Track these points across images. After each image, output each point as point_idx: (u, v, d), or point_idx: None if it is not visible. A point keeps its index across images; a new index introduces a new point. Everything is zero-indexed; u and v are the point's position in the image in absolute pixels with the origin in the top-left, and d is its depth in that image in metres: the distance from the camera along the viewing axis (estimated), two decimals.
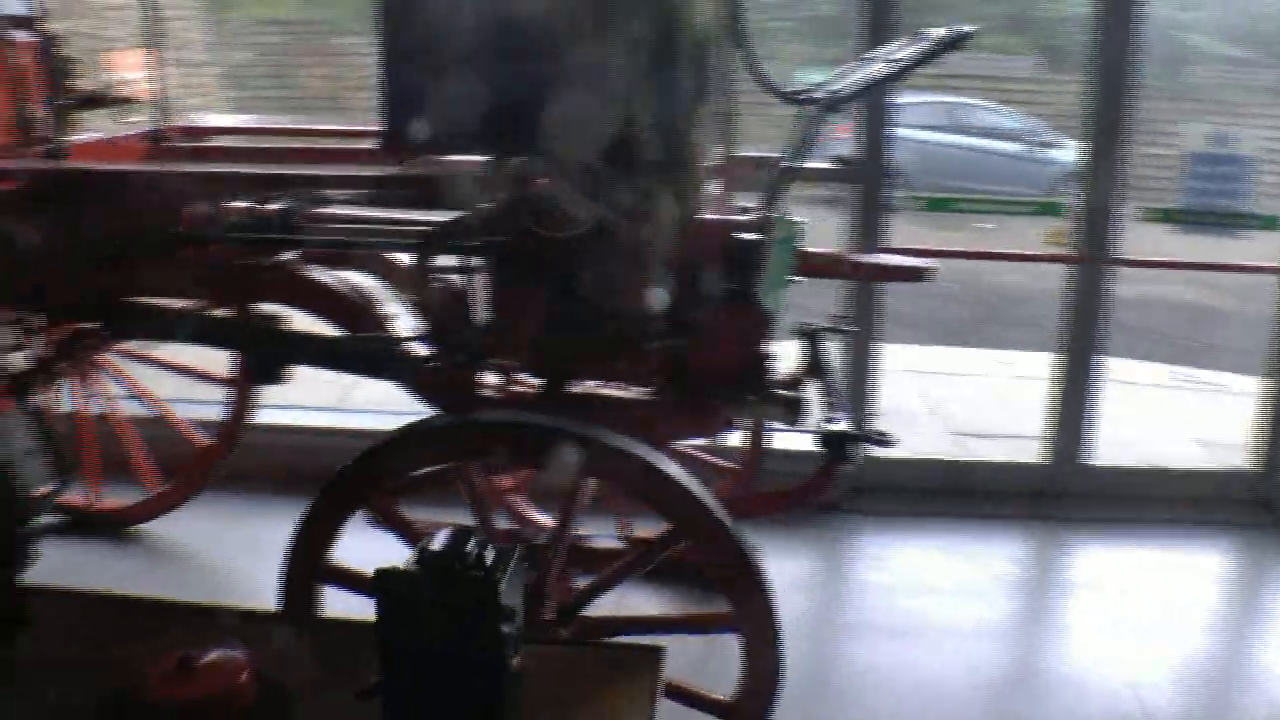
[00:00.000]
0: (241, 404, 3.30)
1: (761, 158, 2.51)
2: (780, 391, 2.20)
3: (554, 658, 1.48)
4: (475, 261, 2.15)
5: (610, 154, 1.94)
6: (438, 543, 1.20)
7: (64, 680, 1.42)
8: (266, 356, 2.23)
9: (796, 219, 2.20)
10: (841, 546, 3.37)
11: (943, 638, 2.86)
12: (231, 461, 3.34)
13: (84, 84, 2.52)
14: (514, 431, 1.91)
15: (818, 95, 1.95)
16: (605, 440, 1.83)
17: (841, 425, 2.01)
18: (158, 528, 3.44)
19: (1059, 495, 3.56)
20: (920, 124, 11.24)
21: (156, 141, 2.68)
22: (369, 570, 1.20)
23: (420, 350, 2.03)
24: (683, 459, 2.93)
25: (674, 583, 2.97)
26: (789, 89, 1.99)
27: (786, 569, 3.16)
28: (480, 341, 2.06)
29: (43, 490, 2.58)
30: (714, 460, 2.99)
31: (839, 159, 3.38)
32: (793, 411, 2.18)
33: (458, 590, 1.15)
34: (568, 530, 1.91)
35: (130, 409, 3.40)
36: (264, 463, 3.40)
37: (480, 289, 2.15)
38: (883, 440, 1.99)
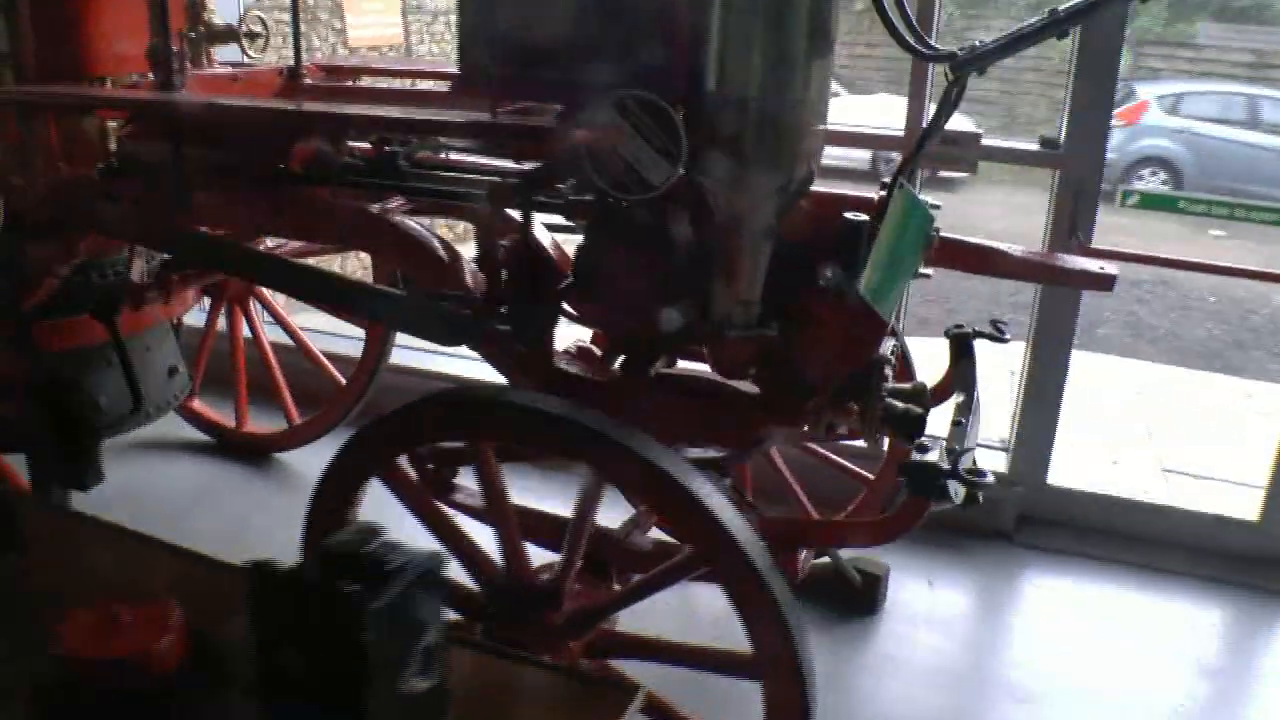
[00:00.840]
0: (380, 344, 3.33)
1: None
2: (894, 402, 1.86)
3: (515, 677, 1.31)
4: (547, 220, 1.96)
5: (698, 111, 1.68)
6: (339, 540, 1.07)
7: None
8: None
9: (928, 201, 1.84)
10: (1000, 584, 2.93)
11: (1091, 712, 2.41)
12: (371, 400, 3.39)
13: (218, 18, 2.50)
14: (514, 414, 1.68)
15: (957, 53, 1.59)
16: (611, 435, 1.56)
17: (932, 456, 1.65)
18: (296, 457, 3.52)
19: (1274, 563, 2.95)
20: (1209, 116, 10.01)
21: (293, 78, 2.64)
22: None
23: (487, 316, 1.83)
24: (819, 461, 2.66)
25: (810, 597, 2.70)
26: (927, 47, 1.64)
27: (925, 600, 2.79)
28: (546, 311, 1.85)
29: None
30: (853, 469, 2.66)
31: (1044, 139, 2.91)
32: (905, 427, 1.84)
33: (317, 599, 0.99)
34: (583, 530, 1.66)
35: (279, 340, 3.50)
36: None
37: (549, 250, 1.94)
38: (975, 482, 1.61)
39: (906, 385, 1.97)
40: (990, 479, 1.61)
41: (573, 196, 1.94)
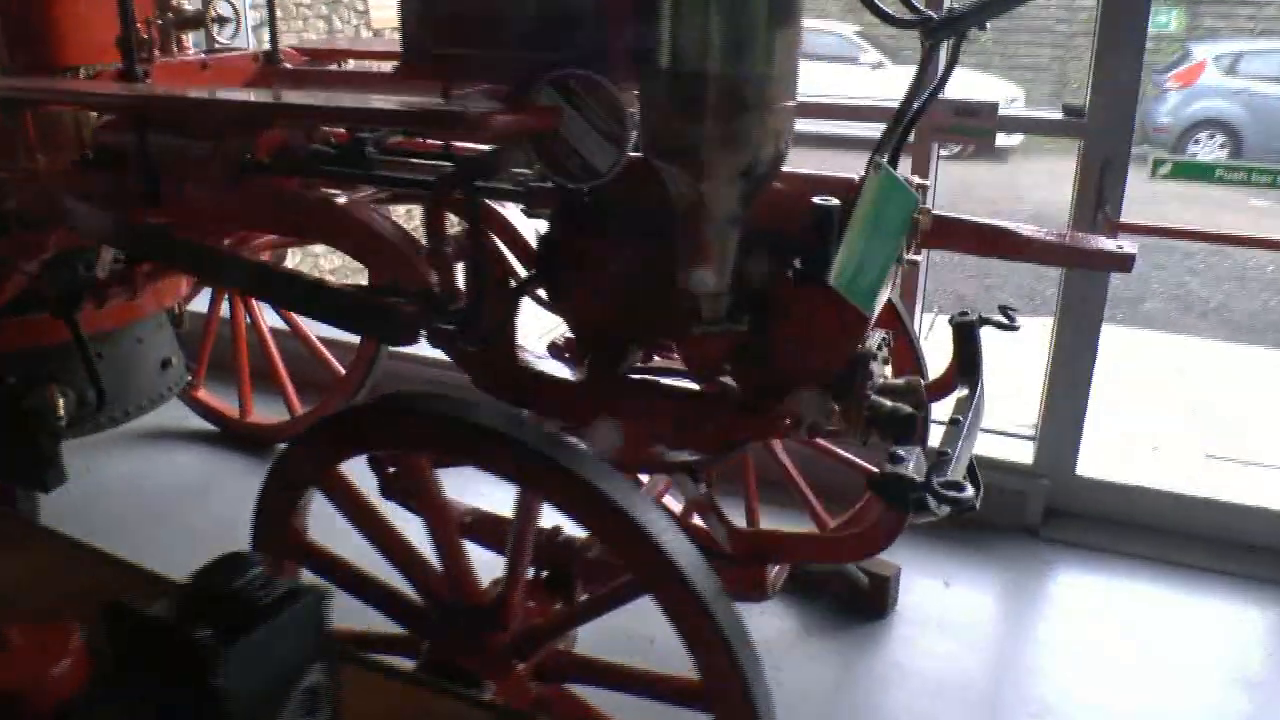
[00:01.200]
0: None
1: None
2: (881, 401, 1.71)
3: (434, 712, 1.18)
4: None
5: (652, 88, 1.53)
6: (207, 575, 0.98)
7: None
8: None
9: (916, 179, 1.68)
10: (1023, 584, 2.76)
11: None
12: (376, 388, 3.35)
13: (187, 4, 2.40)
14: (440, 425, 1.54)
15: (932, 16, 1.42)
16: (543, 450, 1.43)
17: (908, 464, 1.49)
18: None
19: None
20: (1270, 75, 9.53)
21: (270, 63, 2.54)
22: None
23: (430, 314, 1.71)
24: (823, 455, 2.50)
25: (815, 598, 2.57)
26: (912, 10, 1.47)
27: (940, 601, 2.64)
28: (496, 307, 1.72)
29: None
30: (859, 463, 2.50)
31: (1068, 107, 2.71)
32: (893, 428, 1.69)
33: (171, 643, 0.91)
34: (524, 544, 1.53)
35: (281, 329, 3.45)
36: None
37: (516, 240, 1.81)
38: (952, 498, 1.45)
39: (899, 381, 1.81)
40: (968, 494, 1.45)
41: (533, 184, 1.81)
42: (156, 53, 2.33)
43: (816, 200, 1.51)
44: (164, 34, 2.39)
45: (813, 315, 1.60)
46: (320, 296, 1.82)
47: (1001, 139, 2.89)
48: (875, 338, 1.77)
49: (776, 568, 1.91)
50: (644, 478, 2.16)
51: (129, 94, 1.98)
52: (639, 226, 1.73)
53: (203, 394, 3.62)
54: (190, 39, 2.48)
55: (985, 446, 3.01)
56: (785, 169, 1.73)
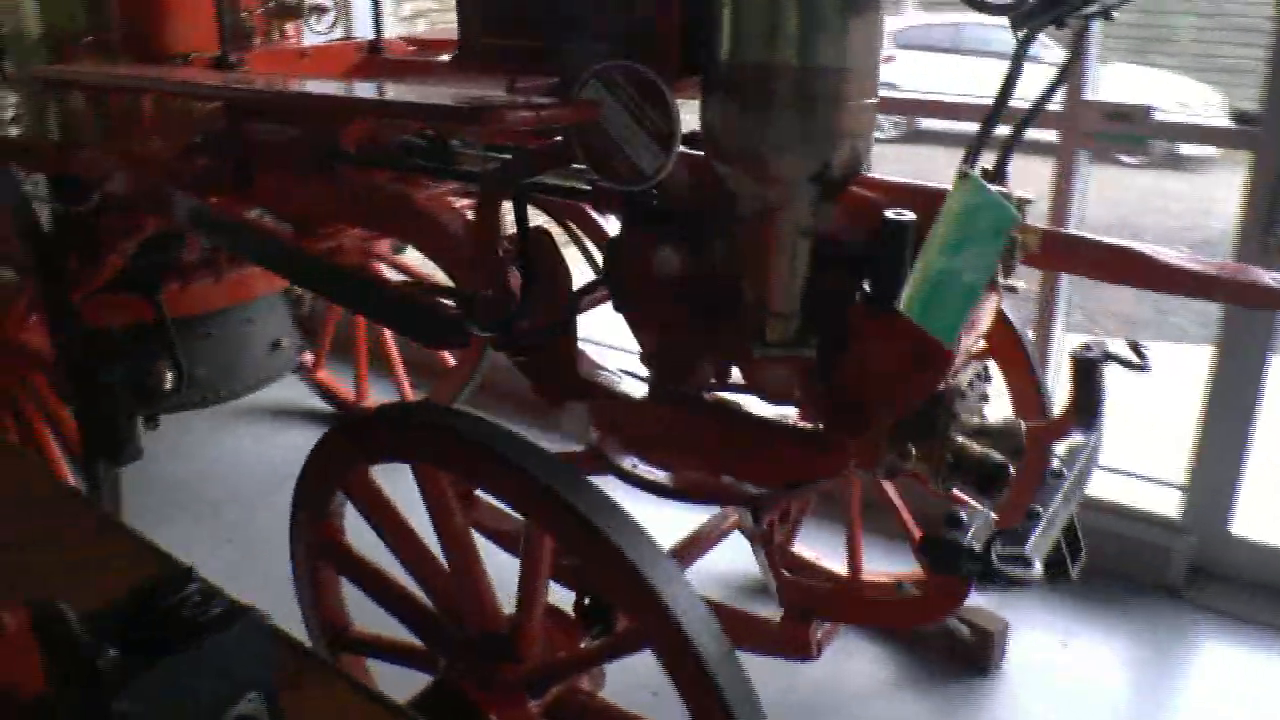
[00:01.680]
0: None
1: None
2: (969, 445, 1.50)
3: None
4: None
5: (714, 82, 1.38)
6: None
7: None
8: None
9: (1019, 193, 1.46)
10: (1156, 649, 2.45)
11: None
12: (484, 380, 3.27)
13: None
14: (453, 443, 1.42)
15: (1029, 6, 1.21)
16: (532, 470, 1.29)
17: (966, 529, 1.28)
18: None
19: None
20: None
21: (374, 52, 2.51)
22: None
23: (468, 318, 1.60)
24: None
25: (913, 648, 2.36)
26: None
27: (1056, 661, 2.37)
28: (544, 313, 1.60)
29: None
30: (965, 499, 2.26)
31: (1239, 113, 2.38)
32: (980, 479, 1.48)
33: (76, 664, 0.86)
34: (539, 569, 1.39)
35: None
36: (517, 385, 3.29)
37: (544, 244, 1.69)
38: (1004, 575, 1.23)
39: (996, 423, 1.59)
40: (1036, 571, 1.23)
41: (599, 183, 1.68)
42: (257, 41, 2.34)
43: (888, 214, 1.32)
44: (266, 22, 2.39)
45: (884, 345, 1.41)
46: (363, 292, 1.75)
47: (1194, 148, 2.54)
48: (968, 371, 1.56)
49: (824, 627, 1.72)
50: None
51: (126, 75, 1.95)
52: (705, 233, 1.58)
53: (323, 375, 3.68)
54: (316, 25, 2.47)
55: (1125, 492, 2.71)
56: (876, 175, 1.56)
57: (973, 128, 1.43)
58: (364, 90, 1.72)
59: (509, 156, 1.87)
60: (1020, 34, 1.28)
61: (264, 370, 3.03)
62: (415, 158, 2.05)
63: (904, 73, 9.65)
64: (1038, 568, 1.23)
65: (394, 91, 1.69)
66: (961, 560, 1.24)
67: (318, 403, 3.75)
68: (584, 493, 1.27)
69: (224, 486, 3.22)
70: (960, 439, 1.53)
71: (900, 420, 1.52)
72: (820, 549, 2.50)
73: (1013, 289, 1.49)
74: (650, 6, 1.35)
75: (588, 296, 1.72)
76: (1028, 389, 2.06)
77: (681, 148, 1.59)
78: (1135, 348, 1.79)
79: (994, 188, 1.40)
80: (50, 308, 2.10)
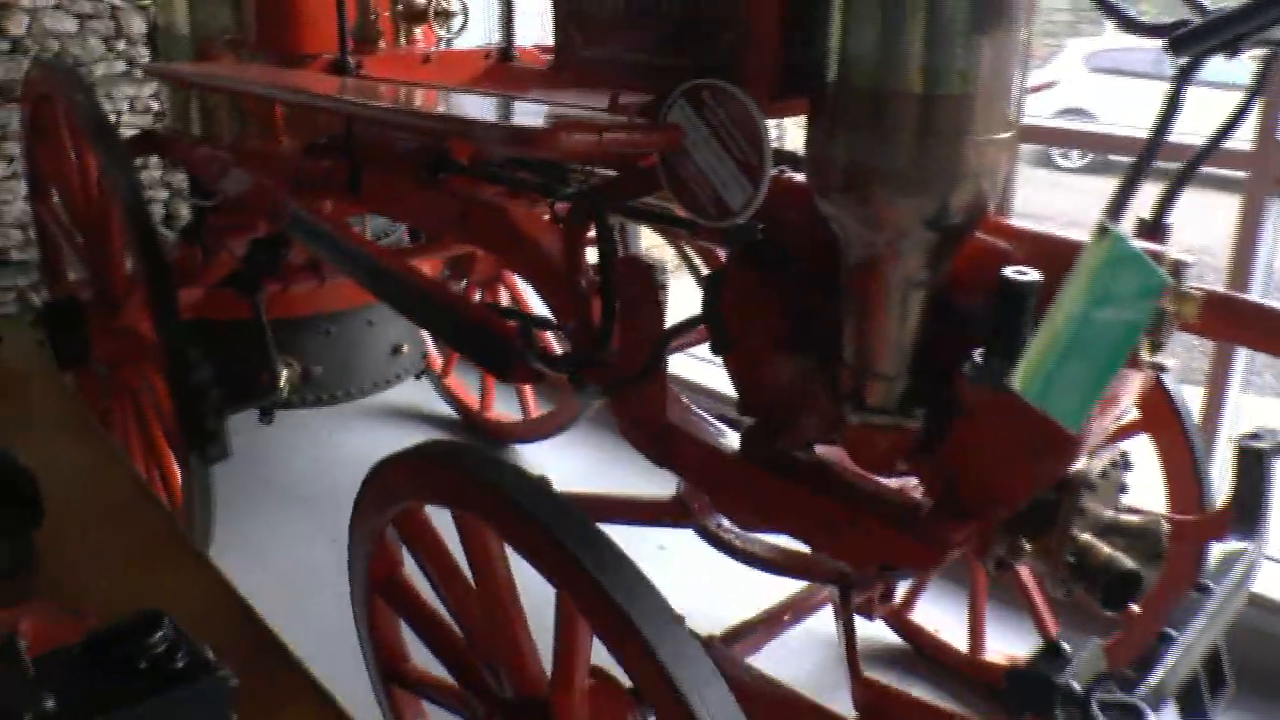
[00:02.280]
0: None
1: None
2: (1095, 545, 1.28)
3: None
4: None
5: (820, 109, 1.21)
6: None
7: None
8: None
9: (1171, 252, 1.22)
10: None
11: None
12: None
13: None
14: (483, 493, 1.30)
15: (1184, 23, 0.99)
16: (571, 549, 1.14)
17: (1068, 669, 1.06)
18: (533, 451, 3.40)
19: None
20: None
21: (504, 59, 2.43)
22: None
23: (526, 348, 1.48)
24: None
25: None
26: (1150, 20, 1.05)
27: None
28: (608, 351, 1.46)
29: None
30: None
31: None
32: (1109, 586, 1.26)
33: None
34: (574, 637, 1.23)
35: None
36: None
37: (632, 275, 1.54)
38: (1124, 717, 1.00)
39: (1134, 519, 1.36)
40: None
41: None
42: (382, 44, 2.29)
43: (1007, 271, 1.12)
44: (394, 25, 2.35)
45: (995, 425, 1.21)
46: (432, 311, 1.65)
47: None
48: (1102, 457, 1.33)
49: None
50: None
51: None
52: (807, 277, 1.40)
53: (451, 380, 3.66)
54: (440, 29, 2.42)
55: None
56: (1018, 222, 1.35)
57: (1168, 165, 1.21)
58: (413, 104, 1.62)
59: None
60: (1181, 61, 1.06)
61: (383, 373, 3.01)
62: (521, 174, 1.96)
63: (1098, 99, 9.10)
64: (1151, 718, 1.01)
65: (450, 107, 1.58)
66: (1054, 701, 1.02)
67: (445, 408, 3.74)
68: (616, 572, 1.12)
69: (337, 485, 3.22)
70: (1086, 536, 1.30)
71: (1015, 511, 1.31)
72: (946, 614, 2.27)
73: (1160, 368, 1.25)
74: (743, 19, 1.19)
75: (683, 335, 1.58)
76: (1184, 474, 1.79)
77: (797, 176, 1.44)
78: None
79: (1144, 245, 1.18)
80: (154, 301, 2.10)
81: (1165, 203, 1.31)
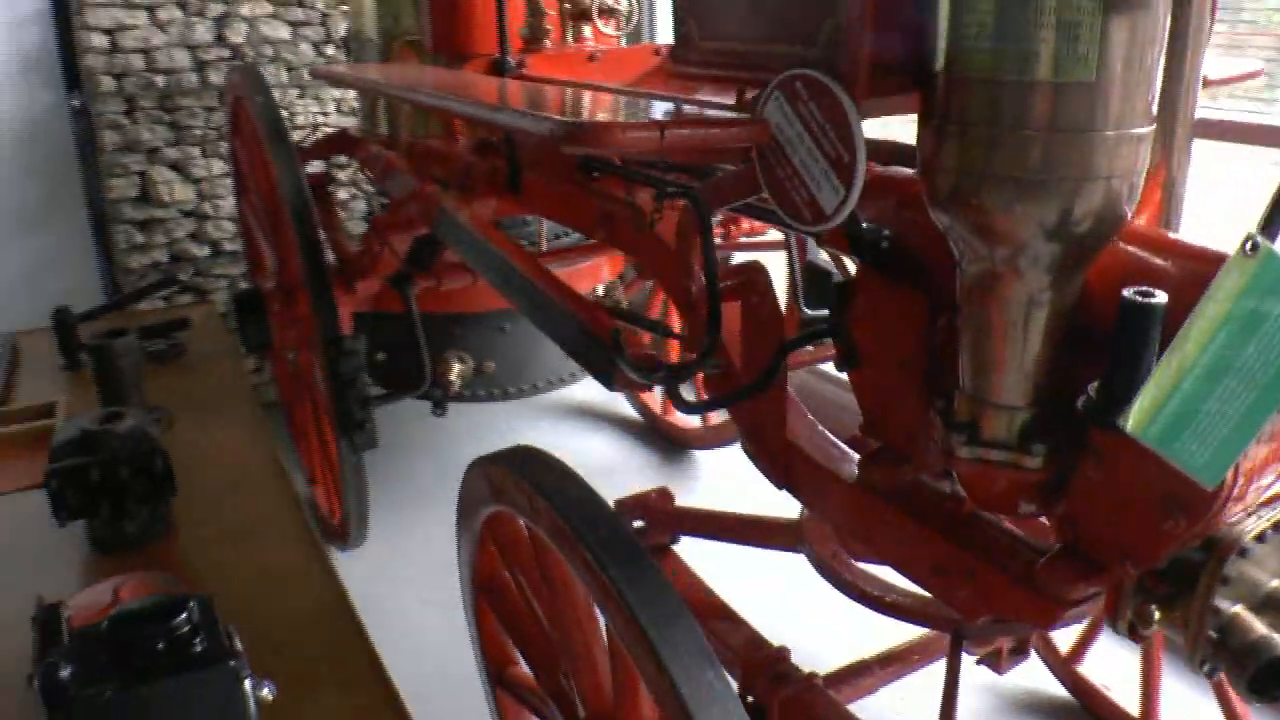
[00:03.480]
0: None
1: None
2: (1247, 619, 1.09)
3: None
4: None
5: (929, 103, 1.08)
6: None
7: None
8: None
9: None
10: None
11: None
12: None
13: None
14: (545, 506, 1.23)
15: None
16: (596, 550, 1.06)
17: None
18: (709, 460, 3.39)
19: None
20: None
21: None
22: None
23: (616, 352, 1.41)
24: None
25: None
26: None
27: None
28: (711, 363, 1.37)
29: None
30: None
31: None
32: (1256, 670, 1.06)
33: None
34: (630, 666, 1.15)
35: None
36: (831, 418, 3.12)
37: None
38: None
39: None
40: None
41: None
42: (547, 43, 2.30)
43: (1127, 292, 0.96)
44: (562, 24, 2.34)
45: (1120, 468, 1.04)
46: (542, 311, 1.61)
47: None
48: (1263, 517, 1.13)
49: None
50: None
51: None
52: (938, 291, 1.27)
53: None
54: (605, 26, 2.40)
55: None
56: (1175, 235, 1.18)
57: None
58: (526, 102, 1.58)
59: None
60: None
61: (558, 371, 3.04)
62: (670, 175, 1.90)
63: None
64: None
65: (559, 104, 1.53)
66: None
67: (630, 410, 3.74)
68: (652, 605, 1.04)
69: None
70: (1237, 609, 1.11)
71: (1150, 570, 1.13)
72: (1121, 667, 2.05)
73: None
74: (842, 3, 1.08)
75: (804, 346, 1.47)
76: None
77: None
78: None
79: None
80: (310, 293, 2.19)
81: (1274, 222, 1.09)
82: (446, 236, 2.04)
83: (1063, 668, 2.14)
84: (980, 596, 1.21)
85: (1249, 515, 1.14)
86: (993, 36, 1.00)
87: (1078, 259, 1.08)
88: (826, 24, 1.11)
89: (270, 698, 1.14)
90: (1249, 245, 0.93)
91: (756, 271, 1.41)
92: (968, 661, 1.84)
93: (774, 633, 1.51)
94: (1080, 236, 1.06)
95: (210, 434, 2.10)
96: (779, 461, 1.47)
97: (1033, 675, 2.20)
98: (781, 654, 1.42)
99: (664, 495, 1.69)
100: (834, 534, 1.55)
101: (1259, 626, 1.09)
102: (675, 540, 1.74)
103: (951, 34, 1.03)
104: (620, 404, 3.76)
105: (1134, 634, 1.21)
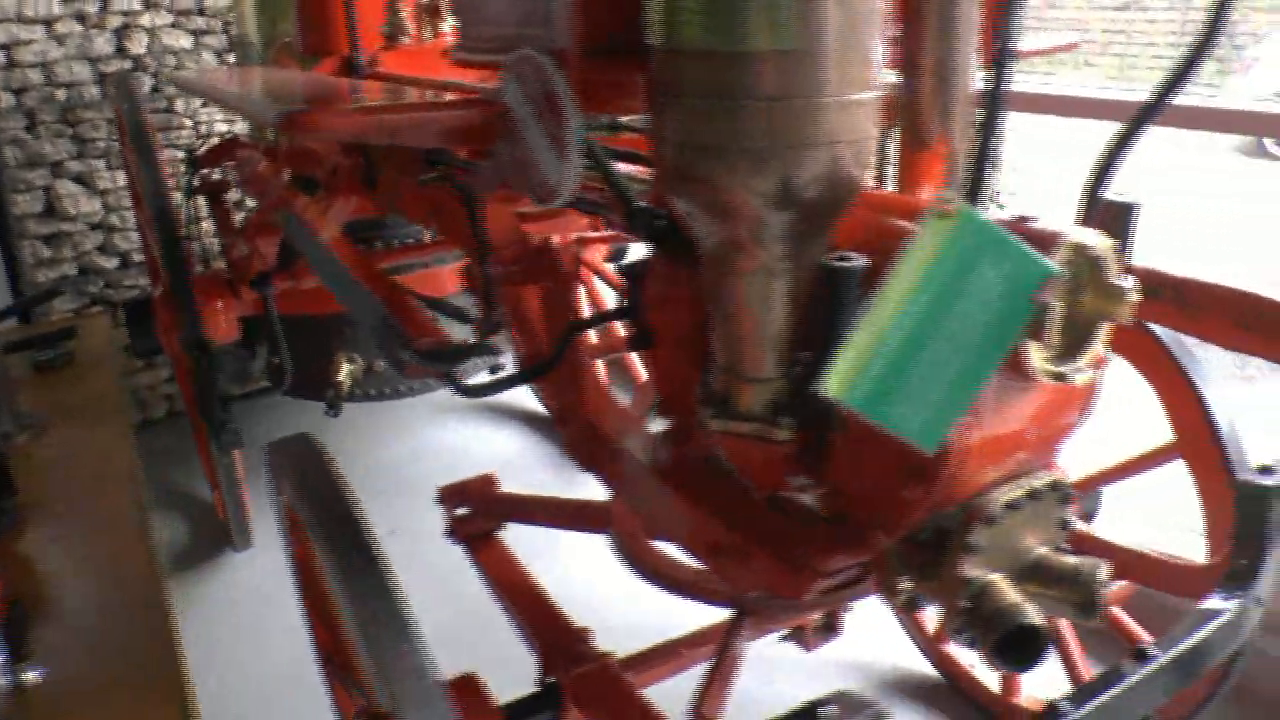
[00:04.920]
0: None
1: None
2: (999, 591, 1.08)
3: None
4: None
5: (650, 76, 1.07)
6: None
7: None
8: None
9: (1071, 236, 0.99)
10: None
11: None
12: None
13: None
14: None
15: None
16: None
17: None
18: None
19: None
20: None
21: None
22: None
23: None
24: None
25: None
26: None
27: None
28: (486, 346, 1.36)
29: None
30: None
31: None
32: (998, 643, 1.05)
33: None
34: None
35: None
36: None
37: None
38: None
39: (1069, 562, 1.13)
40: None
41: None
42: (406, 39, 2.28)
43: (825, 260, 0.94)
44: (419, 21, 2.33)
45: (858, 438, 1.03)
46: (357, 305, 1.59)
47: None
48: (1021, 484, 1.12)
49: None
50: None
51: None
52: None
53: None
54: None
55: None
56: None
57: None
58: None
59: None
60: None
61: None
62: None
63: None
64: None
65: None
66: None
67: (536, 405, 3.74)
68: (366, 593, 1.02)
69: (415, 478, 3.27)
70: (993, 578, 1.10)
71: (910, 539, 1.12)
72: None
73: (1061, 377, 1.02)
74: None
75: (596, 327, 1.46)
76: (1225, 511, 1.49)
77: None
78: None
79: (1036, 223, 0.97)
80: (172, 296, 2.18)
81: (1101, 173, 1.08)
82: (292, 237, 2.03)
83: (930, 646, 2.12)
84: (747, 571, 1.20)
85: (1009, 482, 1.13)
86: (703, 7, 0.99)
87: (812, 227, 1.06)
88: (553, 4, 1.10)
89: (37, 679, 1.13)
90: (943, 205, 0.92)
91: (549, 253, 1.40)
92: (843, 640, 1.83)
93: (607, 615, 1.50)
94: (810, 204, 1.04)
95: (76, 440, 2.11)
96: (580, 444, 1.46)
97: (902, 654, 2.19)
98: (581, 635, 1.42)
99: (486, 481, 1.68)
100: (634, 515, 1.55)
101: (1010, 595, 1.07)
102: (500, 527, 1.73)
103: (663, 6, 1.02)
104: (528, 399, 3.76)
105: (910, 607, 1.20)
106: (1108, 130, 1.14)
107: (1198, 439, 1.52)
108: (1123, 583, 1.56)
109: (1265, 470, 1.19)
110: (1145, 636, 1.68)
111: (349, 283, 1.67)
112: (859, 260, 0.94)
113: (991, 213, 1.06)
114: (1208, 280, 1.30)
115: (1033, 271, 0.95)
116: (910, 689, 2.12)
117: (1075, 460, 1.87)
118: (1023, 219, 1.03)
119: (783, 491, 1.26)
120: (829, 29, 0.97)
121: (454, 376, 1.35)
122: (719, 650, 1.32)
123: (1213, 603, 1.15)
